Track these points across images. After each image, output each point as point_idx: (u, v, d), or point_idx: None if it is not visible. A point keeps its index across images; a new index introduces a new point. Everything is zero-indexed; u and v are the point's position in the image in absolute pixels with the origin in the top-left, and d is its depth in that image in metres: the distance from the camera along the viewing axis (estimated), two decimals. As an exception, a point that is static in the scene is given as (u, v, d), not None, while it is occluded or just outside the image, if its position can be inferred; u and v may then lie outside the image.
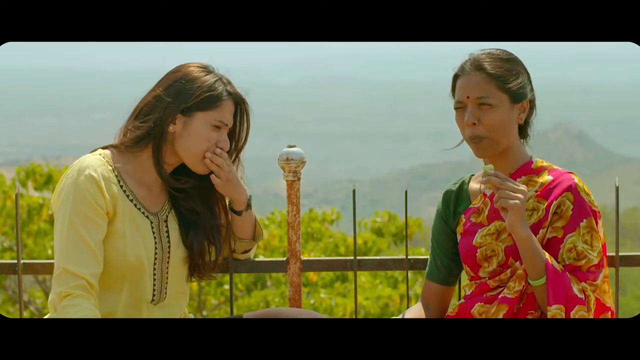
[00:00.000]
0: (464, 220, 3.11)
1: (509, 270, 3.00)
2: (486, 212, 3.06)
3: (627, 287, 25.52)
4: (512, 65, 3.03)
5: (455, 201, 3.17)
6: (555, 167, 3.06)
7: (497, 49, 3.06)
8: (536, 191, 3.01)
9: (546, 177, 3.02)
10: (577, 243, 2.94)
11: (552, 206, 2.96)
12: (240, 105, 3.07)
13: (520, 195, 2.86)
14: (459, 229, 3.12)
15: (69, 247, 2.89)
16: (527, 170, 3.04)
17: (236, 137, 3.11)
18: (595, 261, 2.94)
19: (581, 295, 2.90)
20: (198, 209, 3.10)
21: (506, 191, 2.87)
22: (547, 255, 2.92)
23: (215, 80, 3.03)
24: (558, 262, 2.95)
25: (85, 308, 2.84)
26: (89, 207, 2.91)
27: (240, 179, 3.13)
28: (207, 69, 3.06)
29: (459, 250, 3.13)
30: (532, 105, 3.07)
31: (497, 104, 2.99)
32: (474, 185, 3.16)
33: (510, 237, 3.00)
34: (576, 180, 2.99)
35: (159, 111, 2.99)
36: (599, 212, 3.01)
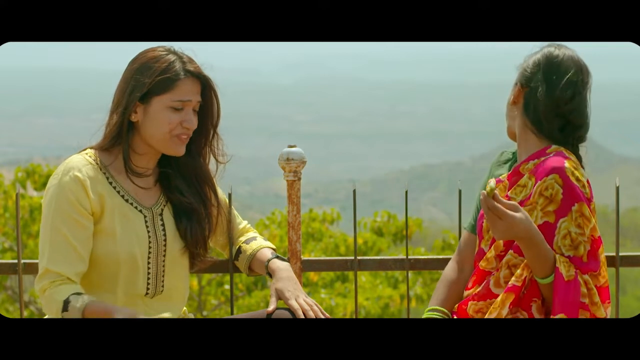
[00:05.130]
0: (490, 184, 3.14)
1: (492, 248, 3.06)
2: (507, 189, 3.09)
3: (627, 287, 25.51)
4: (532, 56, 3.13)
5: (497, 166, 3.25)
6: (567, 153, 3.07)
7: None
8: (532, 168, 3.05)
9: (547, 158, 3.04)
10: (571, 228, 2.96)
11: (537, 186, 2.99)
12: (203, 81, 3.04)
13: (500, 226, 2.90)
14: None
15: (51, 248, 2.90)
16: (541, 154, 3.06)
17: (208, 113, 3.09)
18: (588, 246, 2.97)
19: (584, 300, 2.93)
20: (189, 200, 3.10)
21: (490, 219, 2.91)
22: (558, 262, 2.93)
23: (171, 62, 2.99)
24: (553, 249, 2.96)
25: (67, 290, 2.86)
26: (72, 207, 2.92)
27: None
28: (165, 51, 3.03)
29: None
30: (527, 97, 3.10)
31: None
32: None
33: None
34: (567, 164, 2.99)
35: (121, 105, 2.98)
36: (589, 200, 3.01)
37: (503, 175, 3.14)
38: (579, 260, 2.96)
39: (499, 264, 3.06)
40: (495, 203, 2.89)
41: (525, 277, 2.98)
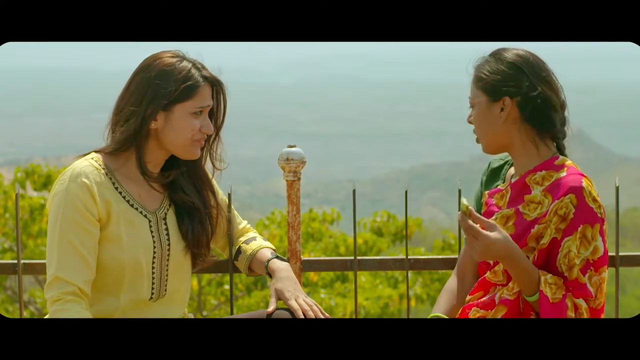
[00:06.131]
0: (486, 197, 3.14)
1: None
2: (507, 198, 3.08)
3: (627, 287, 25.52)
4: (497, 64, 3.04)
5: (491, 175, 3.24)
6: (577, 167, 3.04)
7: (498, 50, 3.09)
8: (546, 185, 3.01)
9: (561, 174, 3.01)
10: (572, 247, 2.94)
11: (553, 205, 2.96)
12: (216, 86, 3.08)
13: (477, 247, 2.86)
14: (483, 207, 3.16)
15: (60, 255, 2.89)
16: (550, 166, 3.03)
17: (215, 116, 3.12)
18: (582, 269, 2.93)
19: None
20: (192, 200, 3.12)
21: (467, 239, 2.89)
22: (542, 284, 2.91)
23: (189, 69, 3.01)
24: (555, 266, 2.95)
25: (75, 312, 2.85)
26: (79, 214, 2.91)
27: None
28: (178, 58, 3.03)
29: None
30: (522, 104, 3.02)
31: (476, 102, 3.07)
32: (511, 169, 3.19)
33: (513, 226, 3.03)
34: (584, 184, 2.96)
35: (139, 113, 2.97)
36: (603, 220, 2.99)
37: (502, 185, 3.13)
38: (574, 282, 2.93)
39: (506, 277, 3.05)
40: (470, 222, 2.86)
41: (519, 291, 2.98)
